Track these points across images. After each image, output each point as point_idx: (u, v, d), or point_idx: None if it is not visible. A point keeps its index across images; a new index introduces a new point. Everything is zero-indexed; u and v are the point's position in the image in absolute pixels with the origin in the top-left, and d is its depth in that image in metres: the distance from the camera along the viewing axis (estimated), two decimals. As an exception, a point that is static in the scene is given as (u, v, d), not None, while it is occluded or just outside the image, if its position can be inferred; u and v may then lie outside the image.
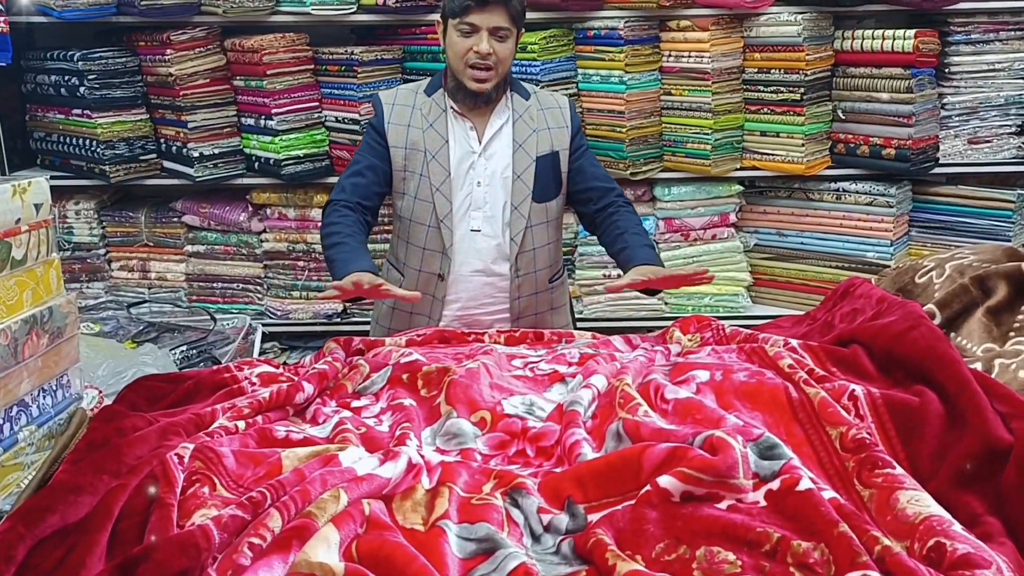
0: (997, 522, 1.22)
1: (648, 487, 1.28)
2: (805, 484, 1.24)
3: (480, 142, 2.32)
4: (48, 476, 1.48)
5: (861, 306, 1.74)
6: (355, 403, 1.76)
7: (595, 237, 2.48)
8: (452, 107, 2.32)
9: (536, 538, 1.31)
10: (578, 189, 2.42)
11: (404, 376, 1.80)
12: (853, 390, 1.47)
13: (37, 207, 1.58)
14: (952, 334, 1.57)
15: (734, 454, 1.28)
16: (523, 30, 2.33)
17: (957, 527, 1.16)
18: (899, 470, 1.29)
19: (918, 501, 1.22)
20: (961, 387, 1.36)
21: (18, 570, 1.18)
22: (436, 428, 1.64)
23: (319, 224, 3.40)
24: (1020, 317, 1.49)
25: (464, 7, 2.19)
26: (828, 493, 1.24)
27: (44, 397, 1.60)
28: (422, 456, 1.46)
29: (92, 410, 1.78)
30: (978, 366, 1.44)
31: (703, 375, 1.65)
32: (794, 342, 1.72)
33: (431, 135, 2.31)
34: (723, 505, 1.25)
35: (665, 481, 1.27)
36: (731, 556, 1.16)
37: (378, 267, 2.25)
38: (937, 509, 1.20)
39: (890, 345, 1.52)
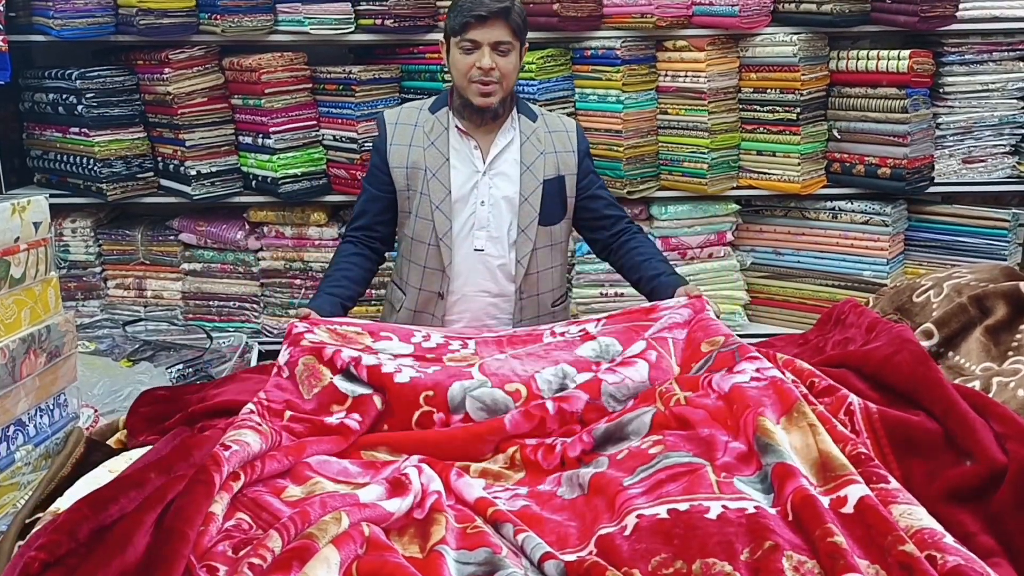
0: (992, 541, 1.22)
1: (637, 518, 1.29)
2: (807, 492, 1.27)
3: (484, 161, 2.32)
4: (46, 496, 1.47)
5: (852, 335, 1.75)
6: (377, 344, 1.87)
7: (600, 259, 2.53)
8: (457, 125, 2.32)
9: (532, 562, 1.31)
10: (592, 217, 2.43)
11: (430, 355, 1.86)
12: (850, 403, 1.48)
13: (36, 225, 1.58)
14: (950, 353, 1.58)
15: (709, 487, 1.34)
16: (526, 44, 2.33)
17: (949, 539, 1.18)
18: (894, 484, 1.31)
19: (911, 515, 1.24)
20: (948, 409, 1.37)
21: (78, 547, 1.23)
22: (467, 386, 1.73)
23: (316, 243, 3.42)
24: (1018, 336, 1.50)
25: (464, 24, 2.19)
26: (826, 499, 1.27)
27: (41, 416, 1.60)
28: (421, 483, 1.46)
29: (88, 429, 1.77)
30: (976, 385, 1.44)
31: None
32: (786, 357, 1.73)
33: (432, 153, 2.31)
34: (713, 515, 1.26)
35: (651, 511, 1.31)
36: (728, 567, 1.17)
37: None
38: (929, 522, 1.22)
39: (876, 371, 1.54)
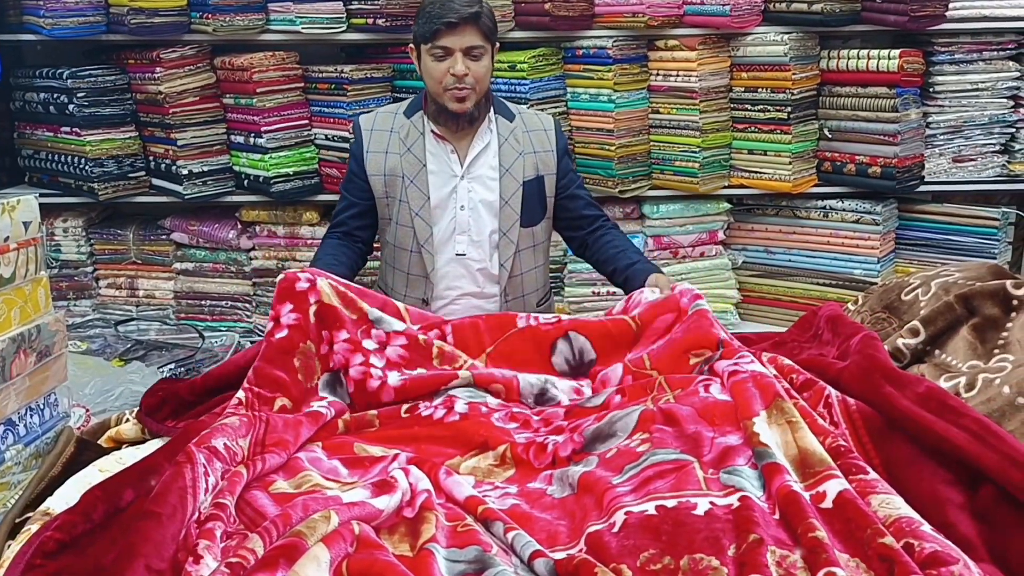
0: (972, 530, 1.24)
1: (625, 515, 1.29)
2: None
3: (462, 165, 2.31)
4: (36, 496, 1.47)
5: (827, 352, 1.75)
6: (365, 342, 1.83)
7: (576, 255, 2.54)
8: (433, 130, 2.31)
9: (522, 560, 1.32)
10: (569, 216, 2.43)
11: (421, 338, 1.87)
12: (828, 396, 1.50)
13: (26, 225, 1.57)
14: (937, 351, 1.59)
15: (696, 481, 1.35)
16: (498, 44, 2.32)
17: (926, 527, 1.20)
18: (872, 475, 1.33)
19: (889, 504, 1.25)
20: (902, 418, 1.38)
21: (93, 528, 1.29)
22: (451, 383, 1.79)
23: (308, 242, 3.42)
24: (1004, 334, 1.50)
25: (435, 31, 2.17)
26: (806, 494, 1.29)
27: (31, 416, 1.59)
28: (409, 483, 1.46)
29: (79, 428, 1.77)
30: (962, 381, 1.45)
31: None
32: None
33: (409, 159, 2.29)
34: (700, 511, 1.27)
35: (639, 508, 1.31)
36: (715, 562, 1.18)
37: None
38: (907, 511, 1.24)
39: (833, 384, 1.55)
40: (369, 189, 2.32)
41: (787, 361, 1.66)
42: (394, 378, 1.80)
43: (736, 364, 1.62)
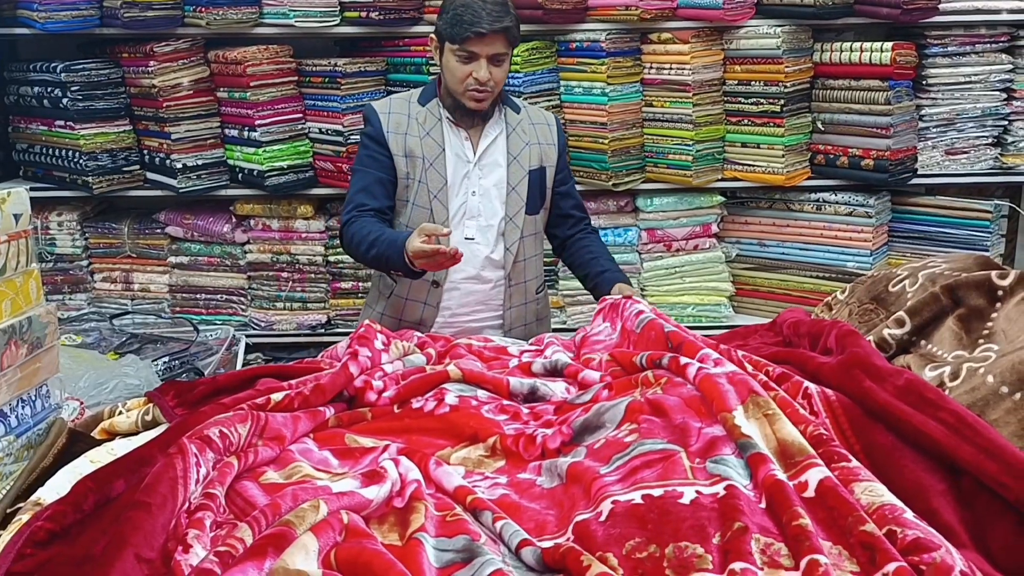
0: (955, 517, 1.25)
1: (612, 504, 1.31)
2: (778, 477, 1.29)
3: (475, 152, 2.37)
4: (27, 486, 1.48)
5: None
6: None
7: (555, 255, 2.63)
8: (448, 117, 2.37)
9: (510, 549, 1.33)
10: (560, 213, 2.51)
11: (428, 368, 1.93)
12: (807, 388, 1.51)
13: (16, 217, 1.58)
14: (923, 342, 1.60)
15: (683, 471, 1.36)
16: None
17: (908, 514, 1.21)
18: (855, 463, 1.33)
19: (872, 491, 1.26)
20: (882, 413, 1.39)
21: (84, 518, 1.30)
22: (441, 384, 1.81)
23: (303, 235, 3.43)
24: (989, 324, 1.51)
25: (464, 37, 2.22)
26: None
27: (23, 407, 1.60)
28: (399, 473, 1.47)
29: (73, 421, 1.78)
30: (946, 371, 1.46)
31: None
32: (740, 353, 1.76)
33: (428, 143, 2.35)
34: (686, 500, 1.28)
35: (626, 497, 1.32)
36: (700, 550, 1.19)
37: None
38: (889, 498, 1.24)
39: (813, 379, 1.56)
40: (393, 167, 2.35)
41: (758, 357, 1.67)
42: (390, 392, 1.84)
43: (702, 364, 1.64)
